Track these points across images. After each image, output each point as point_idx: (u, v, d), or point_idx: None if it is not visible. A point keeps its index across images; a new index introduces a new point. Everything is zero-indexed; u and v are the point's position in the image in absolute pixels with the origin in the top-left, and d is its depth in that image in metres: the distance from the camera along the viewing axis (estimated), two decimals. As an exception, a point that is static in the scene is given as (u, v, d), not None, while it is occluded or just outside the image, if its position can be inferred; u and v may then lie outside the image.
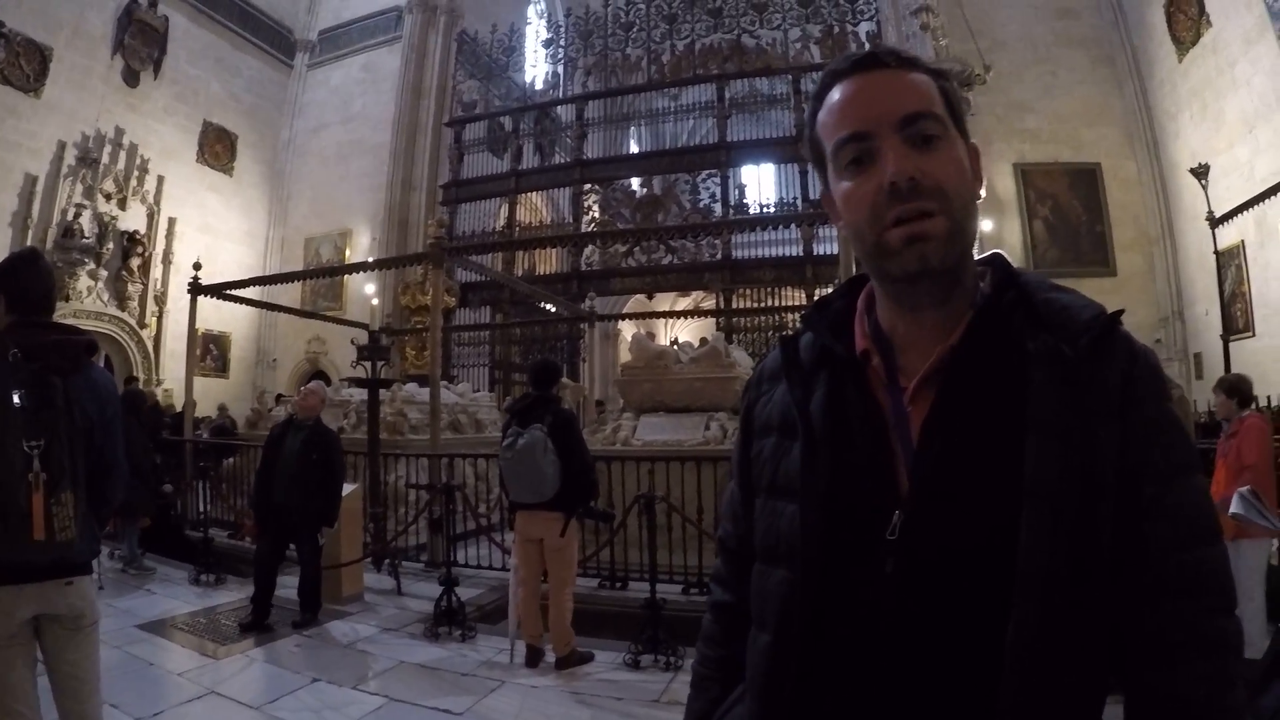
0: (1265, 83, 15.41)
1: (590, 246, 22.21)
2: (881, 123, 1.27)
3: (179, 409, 16.59)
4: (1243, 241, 16.09)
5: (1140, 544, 1.21)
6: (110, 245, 21.78)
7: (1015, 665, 1.13)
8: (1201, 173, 15.63)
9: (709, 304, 24.76)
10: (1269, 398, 11.07)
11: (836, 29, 21.63)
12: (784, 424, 1.45)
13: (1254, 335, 16.07)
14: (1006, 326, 1.30)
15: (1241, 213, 13.86)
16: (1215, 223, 14.89)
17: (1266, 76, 15.35)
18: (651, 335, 17.22)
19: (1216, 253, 15.51)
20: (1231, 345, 15.14)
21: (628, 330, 23.37)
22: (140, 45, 23.25)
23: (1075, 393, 1.21)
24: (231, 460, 12.62)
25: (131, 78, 23.13)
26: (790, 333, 1.58)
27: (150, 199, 23.16)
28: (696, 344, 12.72)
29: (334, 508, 8.12)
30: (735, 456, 1.64)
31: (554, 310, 21.28)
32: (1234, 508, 3.69)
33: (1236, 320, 16.33)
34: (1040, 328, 1.27)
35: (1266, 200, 13.11)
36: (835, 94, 1.35)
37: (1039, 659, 1.14)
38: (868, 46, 18.62)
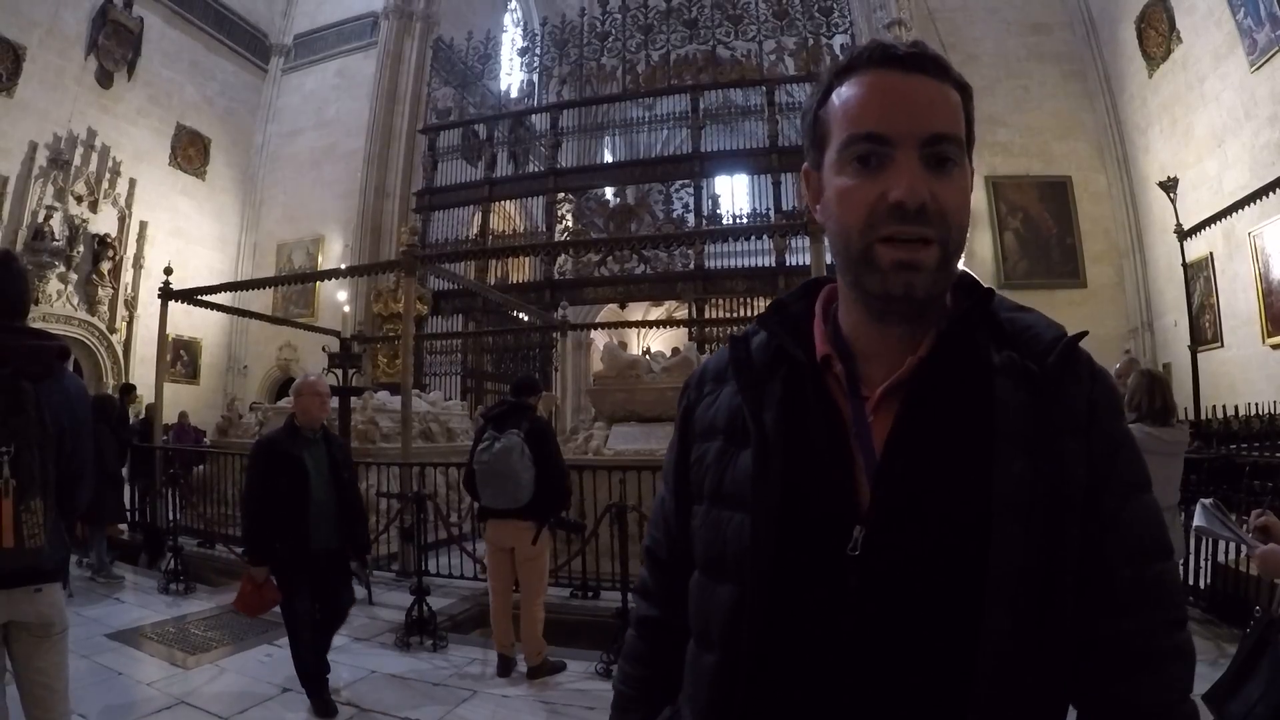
0: (1234, 98, 15.65)
1: (563, 256, 22.11)
2: (906, 134, 1.20)
3: (143, 414, 16.45)
4: (1211, 254, 16.39)
5: (1100, 558, 1.22)
6: (81, 248, 21.64)
7: (987, 676, 1.13)
8: (1170, 186, 15.74)
9: (681, 314, 24.79)
10: (1236, 407, 11.18)
11: (811, 42, 21.82)
12: (731, 428, 1.39)
13: (1222, 346, 16.38)
14: (971, 342, 1.28)
15: (1210, 225, 13.95)
16: (1184, 235, 14.93)
17: (1235, 92, 15.58)
18: (623, 345, 17.25)
19: (1185, 265, 15.58)
20: (1200, 356, 15.14)
21: (600, 340, 23.37)
22: (114, 46, 23.07)
23: (1042, 409, 1.21)
24: (201, 468, 12.55)
25: (105, 79, 22.96)
26: (740, 333, 1.49)
27: (122, 202, 23.00)
28: (669, 354, 12.72)
29: (367, 538, 6.41)
30: (669, 460, 1.58)
31: (526, 319, 21.25)
32: (1197, 520, 3.68)
33: (1205, 331, 16.59)
34: (1004, 344, 1.26)
35: (1235, 213, 13.21)
36: (864, 81, 1.25)
37: (1010, 669, 1.14)
38: (839, 56, 18.91)
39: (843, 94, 1.27)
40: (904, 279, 1.20)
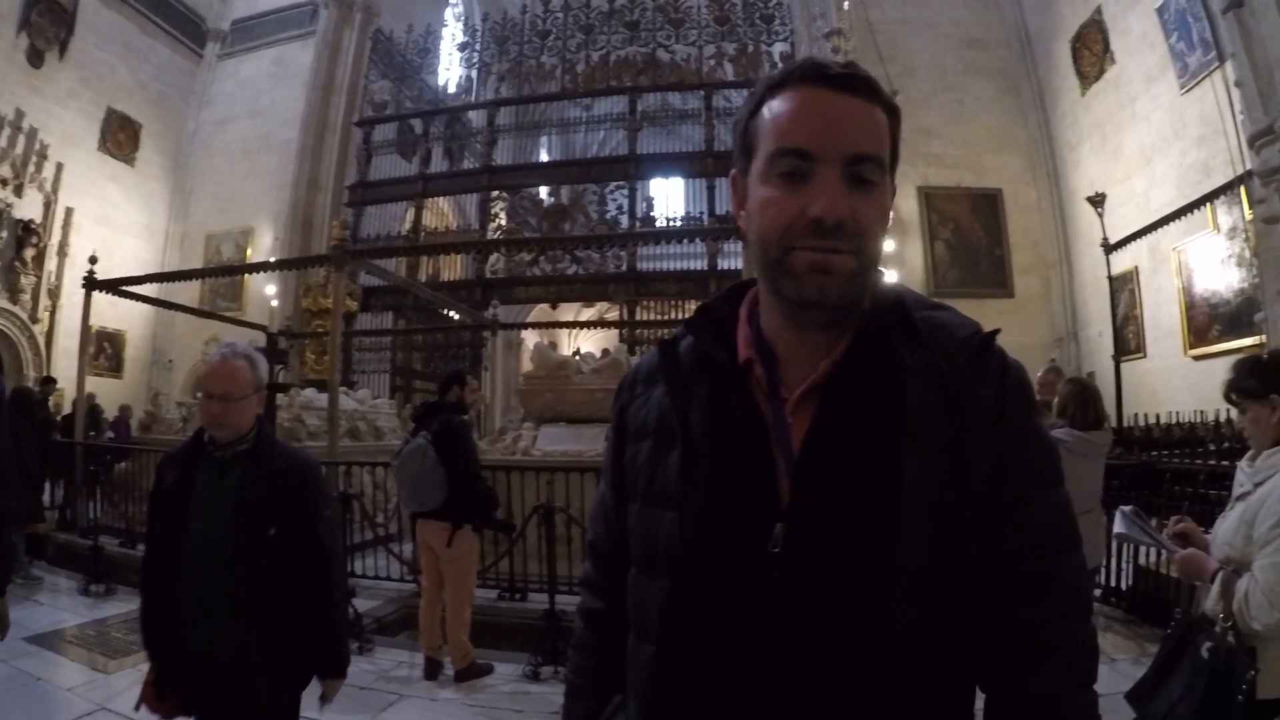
0: (1163, 119, 15.95)
1: (496, 254, 22.09)
2: (830, 152, 1.25)
3: (68, 409, 16.16)
4: (1136, 267, 16.74)
5: (999, 547, 1.26)
6: (3, 234, 21.01)
7: (899, 664, 1.19)
8: (1098, 201, 16.23)
9: (613, 315, 24.77)
10: (1158, 415, 11.48)
11: (751, 48, 21.96)
12: (661, 429, 1.43)
13: (1145, 356, 16.71)
14: (886, 342, 1.32)
15: (1135, 240, 14.67)
16: (1110, 249, 15.62)
17: (1165, 113, 15.89)
18: (554, 345, 17.24)
19: (1110, 278, 16.24)
20: (1124, 365, 15.91)
21: (531, 340, 23.35)
22: (47, 24, 22.37)
23: (952, 407, 1.25)
24: (123, 464, 12.34)
25: (36, 58, 22.25)
26: (669, 337, 1.54)
27: (48, 187, 22.31)
28: (599, 355, 12.76)
29: (341, 646, 3.62)
30: (607, 459, 1.62)
31: (457, 318, 21.15)
32: (1118, 526, 3.78)
33: (1129, 342, 17.01)
34: (918, 344, 1.30)
35: (1160, 229, 13.98)
36: (795, 97, 1.30)
37: (921, 658, 1.21)
38: (778, 63, 18.70)
39: (774, 107, 1.31)
40: (818, 283, 1.25)
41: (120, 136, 25.27)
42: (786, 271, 1.27)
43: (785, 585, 1.24)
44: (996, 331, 1.33)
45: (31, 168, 21.84)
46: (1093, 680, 1.29)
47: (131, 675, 6.47)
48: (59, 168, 22.62)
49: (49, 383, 15.73)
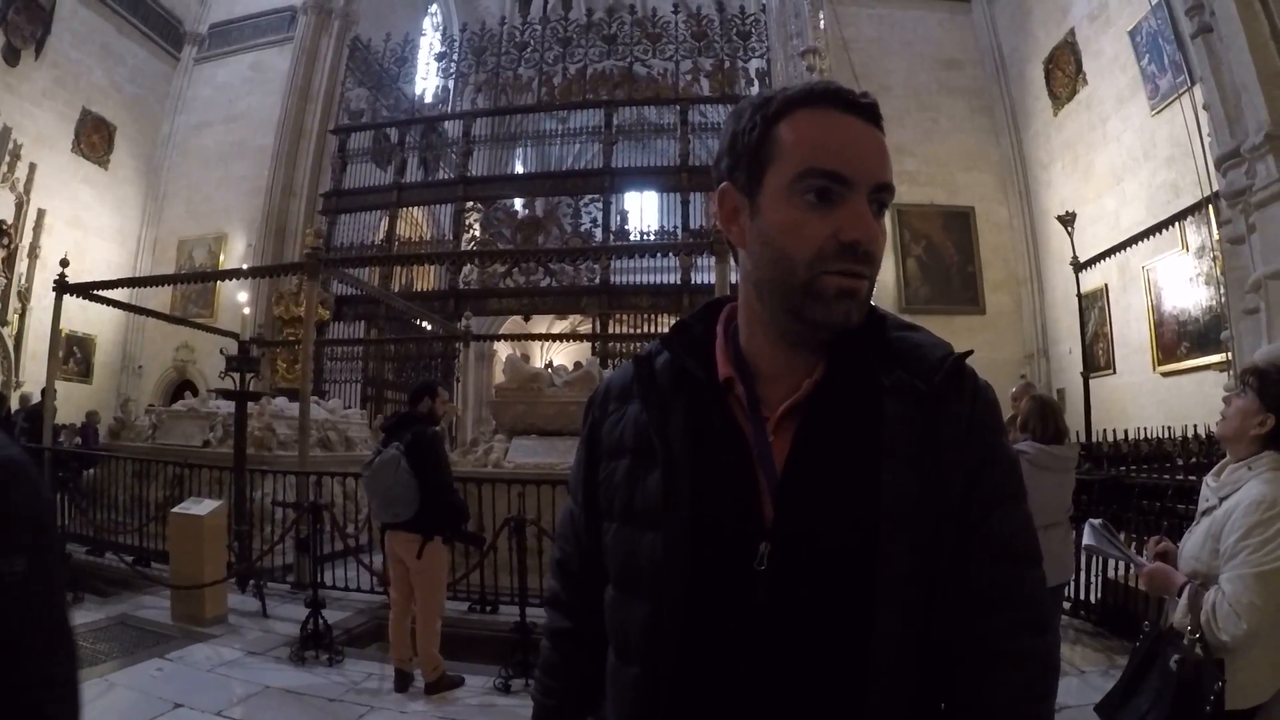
0: (1134, 139, 16.19)
1: (469, 265, 22.07)
2: (863, 179, 1.27)
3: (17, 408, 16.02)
4: (1106, 285, 17.03)
5: (965, 559, 1.28)
6: (-26, 236, 20.71)
7: (880, 676, 1.21)
8: (1069, 220, 16.34)
9: (585, 328, 24.77)
10: (1126, 431, 11.58)
11: (727, 64, 22.13)
12: (639, 447, 1.42)
13: (1115, 373, 16.97)
14: (862, 361, 1.33)
15: (1105, 259, 14.99)
16: (1079, 267, 15.80)
17: (1135, 134, 16.12)
18: (526, 357, 17.21)
19: (1080, 295, 16.42)
20: (1093, 381, 16.03)
21: (503, 351, 23.29)
22: (24, 22, 22.04)
23: (927, 425, 1.28)
24: (92, 471, 12.25)
25: (12, 56, 21.89)
26: (643, 352, 1.53)
27: (20, 187, 21.88)
28: (571, 367, 12.76)
29: None
30: (576, 476, 1.60)
31: (429, 328, 21.08)
32: (1086, 539, 3.83)
33: (1098, 358, 17.24)
34: (893, 364, 1.32)
35: (1129, 248, 14.31)
36: (828, 120, 1.31)
37: (900, 669, 1.23)
38: (757, 85, 18.78)
39: (799, 126, 1.31)
40: (844, 307, 1.28)
41: (94, 138, 24.91)
42: (815, 294, 1.27)
43: (772, 602, 1.25)
44: (969, 353, 1.37)
45: (4, 167, 21.49)
46: (1050, 693, 1.33)
47: (99, 685, 6.42)
48: (32, 168, 22.26)
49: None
